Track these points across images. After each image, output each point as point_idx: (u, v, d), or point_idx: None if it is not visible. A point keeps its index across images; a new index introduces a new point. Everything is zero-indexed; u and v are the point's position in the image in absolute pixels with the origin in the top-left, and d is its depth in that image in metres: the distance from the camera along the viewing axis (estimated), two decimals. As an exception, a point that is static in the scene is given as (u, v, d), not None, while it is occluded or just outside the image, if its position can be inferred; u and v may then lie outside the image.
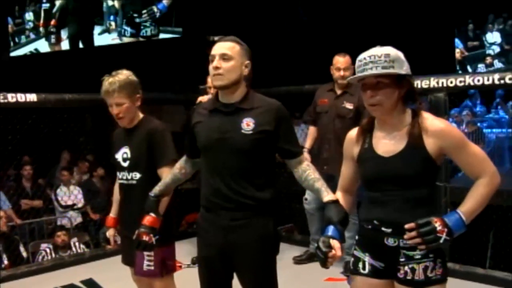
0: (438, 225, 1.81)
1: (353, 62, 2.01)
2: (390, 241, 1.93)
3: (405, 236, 1.86)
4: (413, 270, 1.91)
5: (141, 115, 2.79)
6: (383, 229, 1.94)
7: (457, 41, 8.95)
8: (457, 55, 8.91)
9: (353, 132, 2.09)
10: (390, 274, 1.97)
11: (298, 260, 4.42)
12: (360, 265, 2.04)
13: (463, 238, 1.87)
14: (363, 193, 2.10)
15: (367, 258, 2.02)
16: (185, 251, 3.07)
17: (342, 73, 4.04)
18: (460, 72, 8.56)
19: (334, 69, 4.11)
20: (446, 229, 1.80)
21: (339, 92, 4.12)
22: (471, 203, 1.86)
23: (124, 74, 2.68)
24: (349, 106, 4.01)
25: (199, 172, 2.39)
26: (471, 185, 1.92)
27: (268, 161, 2.22)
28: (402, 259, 1.93)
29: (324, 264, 1.90)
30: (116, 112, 2.67)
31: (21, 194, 6.55)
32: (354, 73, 4.29)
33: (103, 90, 2.66)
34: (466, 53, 9.03)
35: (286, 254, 4.62)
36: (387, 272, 1.98)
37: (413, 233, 1.83)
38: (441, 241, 1.80)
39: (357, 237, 2.09)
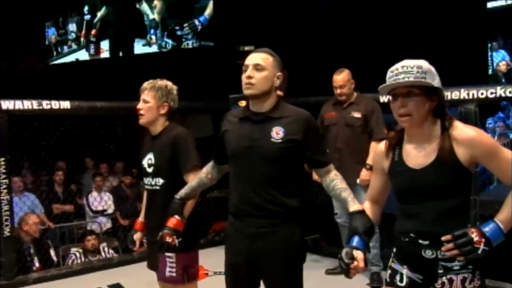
0: (475, 236, 1.78)
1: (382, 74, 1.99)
2: (428, 253, 1.92)
3: (443, 248, 1.84)
4: (450, 281, 1.89)
5: (166, 123, 2.85)
6: (420, 241, 1.93)
7: (503, 52, 8.74)
8: (503, 67, 8.70)
9: (382, 145, 2.08)
10: (428, 287, 1.95)
11: (331, 273, 4.40)
12: (398, 277, 2.02)
13: (492, 251, 1.82)
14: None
15: (405, 271, 2.00)
16: (212, 258, 3.10)
17: (338, 91, 4.23)
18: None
19: (333, 87, 4.27)
20: (483, 239, 1.78)
21: (344, 104, 4.27)
22: (508, 210, 1.82)
23: (165, 81, 2.83)
24: (357, 115, 4.18)
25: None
26: (501, 198, 1.88)
27: (296, 169, 2.24)
28: (440, 271, 1.91)
29: (347, 274, 1.91)
30: (139, 107, 2.80)
31: (52, 198, 6.68)
32: (351, 89, 4.37)
33: (141, 88, 2.83)
34: (512, 66, 8.82)
35: (316, 264, 4.62)
36: (425, 284, 1.96)
37: (450, 245, 1.80)
38: (479, 251, 1.78)
39: (394, 250, 2.08)
